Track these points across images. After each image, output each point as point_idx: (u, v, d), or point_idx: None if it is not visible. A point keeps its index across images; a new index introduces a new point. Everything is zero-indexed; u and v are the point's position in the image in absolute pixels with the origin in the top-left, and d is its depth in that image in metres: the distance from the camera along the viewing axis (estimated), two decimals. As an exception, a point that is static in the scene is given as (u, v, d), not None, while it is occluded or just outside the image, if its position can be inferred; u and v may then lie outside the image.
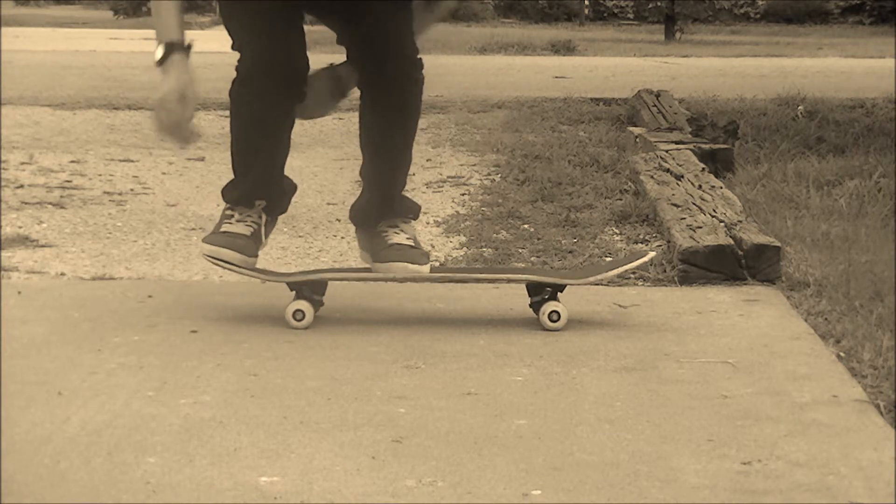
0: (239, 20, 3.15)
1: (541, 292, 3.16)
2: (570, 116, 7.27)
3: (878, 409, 2.52)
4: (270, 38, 3.11)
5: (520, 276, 3.35)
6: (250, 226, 3.20)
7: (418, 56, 3.16)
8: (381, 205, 3.26)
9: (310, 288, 3.14)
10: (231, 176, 3.27)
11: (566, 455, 2.28)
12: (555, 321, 3.09)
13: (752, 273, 3.55)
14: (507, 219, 4.43)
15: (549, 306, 3.11)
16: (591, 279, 3.26)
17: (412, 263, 3.17)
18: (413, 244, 3.22)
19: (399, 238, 3.21)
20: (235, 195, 3.24)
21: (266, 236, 3.25)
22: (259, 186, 3.24)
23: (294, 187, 3.37)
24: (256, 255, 3.20)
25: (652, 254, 3.34)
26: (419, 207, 3.35)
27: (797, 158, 5.61)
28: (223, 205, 3.26)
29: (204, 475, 2.17)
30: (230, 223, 3.20)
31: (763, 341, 3.00)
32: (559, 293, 3.14)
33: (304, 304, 3.09)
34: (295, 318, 3.07)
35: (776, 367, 2.80)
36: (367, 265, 3.28)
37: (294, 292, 3.12)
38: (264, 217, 3.23)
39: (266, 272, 3.31)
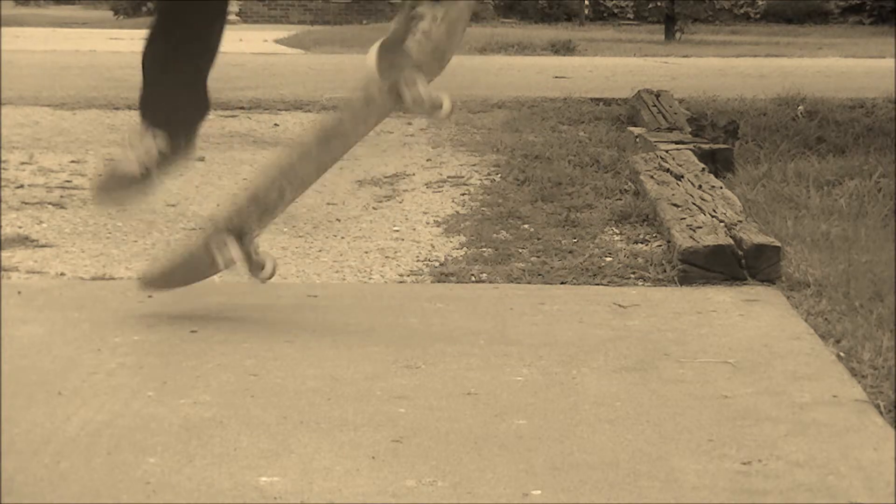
0: None
1: None
2: (570, 116, 7.26)
3: (878, 409, 2.52)
4: None
5: None
6: (144, 155, 3.08)
7: None
8: None
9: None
10: None
11: (566, 455, 2.28)
12: None
13: (752, 273, 3.55)
14: (507, 219, 4.43)
15: None
16: None
17: None
18: None
19: None
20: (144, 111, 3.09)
21: (167, 164, 3.10)
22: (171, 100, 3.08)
23: (207, 106, 3.17)
24: (147, 191, 3.09)
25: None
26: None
27: (797, 158, 5.61)
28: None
29: (204, 475, 2.17)
30: (121, 154, 3.08)
31: (763, 341, 3.00)
32: None
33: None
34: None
35: (776, 367, 2.80)
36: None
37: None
38: (166, 143, 3.10)
39: None
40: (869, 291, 3.34)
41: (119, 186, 3.08)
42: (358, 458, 2.25)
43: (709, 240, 3.62)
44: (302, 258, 3.86)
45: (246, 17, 25.63)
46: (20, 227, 4.19)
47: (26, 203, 4.63)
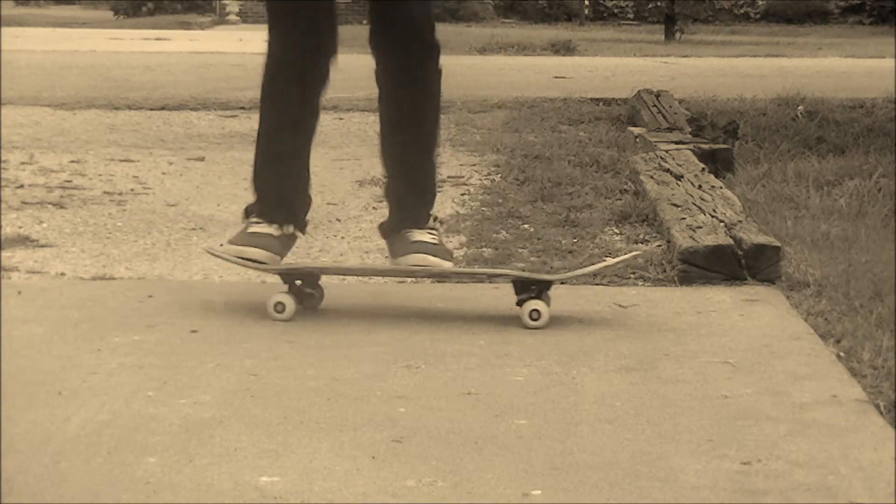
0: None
1: (527, 290, 3.15)
2: (570, 116, 7.27)
3: (878, 409, 2.52)
4: (303, 20, 3.19)
5: (506, 271, 3.35)
6: (277, 229, 3.20)
7: (436, 43, 3.16)
8: (405, 215, 3.25)
9: (303, 281, 3.15)
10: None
11: (566, 455, 2.28)
12: (535, 319, 3.09)
13: (752, 273, 3.55)
14: (507, 219, 4.43)
15: (530, 304, 3.10)
16: (576, 273, 3.28)
17: (433, 256, 3.17)
18: (437, 241, 3.22)
19: (423, 236, 3.21)
20: (257, 208, 3.24)
21: (288, 247, 3.25)
22: (283, 201, 3.23)
23: (310, 202, 3.34)
24: (283, 255, 3.21)
25: (637, 252, 3.30)
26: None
27: (797, 158, 5.61)
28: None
29: (204, 475, 2.17)
30: (256, 224, 3.21)
31: (763, 341, 3.00)
32: (545, 292, 3.14)
33: (286, 297, 3.10)
34: (275, 310, 3.08)
35: (776, 367, 2.80)
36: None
37: (286, 285, 3.14)
38: (290, 228, 3.24)
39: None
40: (869, 291, 3.34)
41: (254, 242, 3.20)
42: (358, 458, 2.25)
43: (709, 240, 3.62)
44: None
45: (246, 17, 25.64)
46: (20, 227, 4.19)
47: (26, 203, 4.63)
